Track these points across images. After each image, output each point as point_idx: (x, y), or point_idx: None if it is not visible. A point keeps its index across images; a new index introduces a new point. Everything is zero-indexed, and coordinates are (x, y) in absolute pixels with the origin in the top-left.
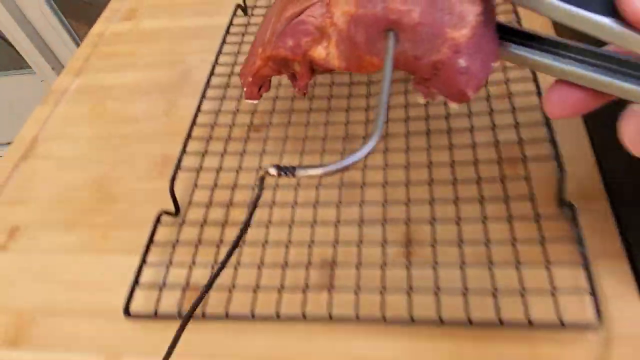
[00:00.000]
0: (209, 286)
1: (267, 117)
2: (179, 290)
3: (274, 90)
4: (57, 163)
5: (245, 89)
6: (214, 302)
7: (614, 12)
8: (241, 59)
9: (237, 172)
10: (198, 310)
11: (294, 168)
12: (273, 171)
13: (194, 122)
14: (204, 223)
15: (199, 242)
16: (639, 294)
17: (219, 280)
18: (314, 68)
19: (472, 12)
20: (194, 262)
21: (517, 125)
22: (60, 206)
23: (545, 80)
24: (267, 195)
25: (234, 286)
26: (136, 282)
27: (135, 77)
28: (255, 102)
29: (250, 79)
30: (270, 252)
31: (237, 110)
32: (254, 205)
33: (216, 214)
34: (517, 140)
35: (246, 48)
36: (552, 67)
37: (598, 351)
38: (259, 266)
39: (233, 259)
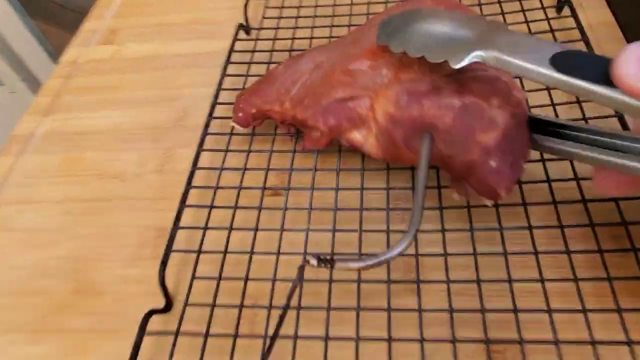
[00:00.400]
0: None
1: (282, 177)
2: None
3: (287, 142)
4: (19, 238)
5: (240, 114)
6: None
7: (609, 82)
8: None
9: (251, 256)
10: None
11: (333, 260)
12: (313, 262)
13: (189, 184)
14: (206, 333)
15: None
16: None
17: None
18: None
19: (501, 117)
20: None
21: None
22: (22, 303)
23: None
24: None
25: None
26: None
27: (119, 119)
28: (243, 129)
29: (253, 111)
30: None
31: (246, 167)
32: (289, 299)
33: (222, 320)
34: None
35: (252, 80)
36: (587, 156)
37: None
38: None
39: None
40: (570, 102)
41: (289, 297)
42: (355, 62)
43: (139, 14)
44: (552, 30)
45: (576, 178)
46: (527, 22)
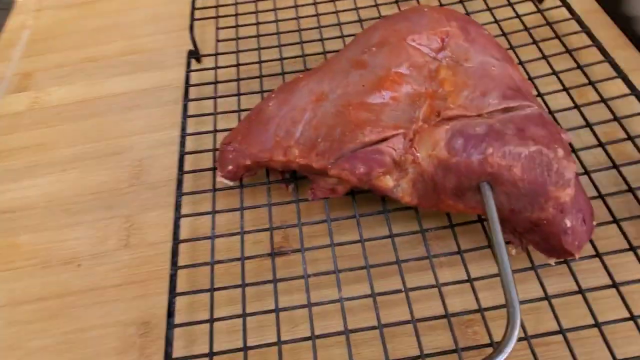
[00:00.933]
0: None
1: (289, 236)
2: None
3: (284, 191)
4: None
5: (229, 167)
6: None
7: None
8: (220, 136)
9: (280, 348)
10: None
11: None
12: None
13: (175, 265)
14: None
15: None
16: None
17: None
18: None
19: (570, 170)
20: None
21: None
22: None
23: None
24: None
25: None
26: None
27: (56, 185)
28: (231, 183)
29: (247, 162)
30: None
31: (243, 229)
32: None
33: None
34: None
35: (222, 119)
36: None
37: None
38: None
39: None
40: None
41: None
42: (374, 94)
43: (54, 50)
44: (549, 24)
45: None
46: (518, 16)
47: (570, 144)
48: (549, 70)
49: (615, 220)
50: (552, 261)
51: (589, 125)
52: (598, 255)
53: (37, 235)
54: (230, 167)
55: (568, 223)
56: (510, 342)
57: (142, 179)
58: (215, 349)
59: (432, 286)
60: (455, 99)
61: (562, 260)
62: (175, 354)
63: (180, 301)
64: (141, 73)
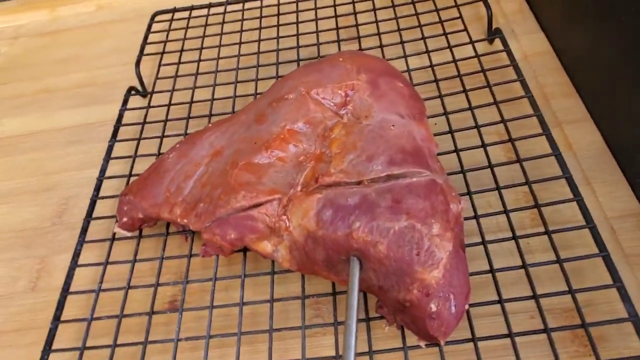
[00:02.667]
0: None
1: (176, 292)
2: None
3: (183, 244)
4: None
5: (124, 219)
6: None
7: None
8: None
9: None
10: None
11: None
12: None
13: (57, 319)
14: None
15: None
16: None
17: None
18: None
19: (443, 249)
20: None
21: None
22: None
23: None
24: None
25: None
26: None
27: None
28: (129, 234)
29: (140, 216)
30: None
31: (129, 285)
32: None
33: None
34: None
35: (142, 162)
36: None
37: None
38: None
39: None
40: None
41: None
42: (261, 154)
43: (17, 79)
44: (483, 71)
45: (535, 296)
46: (454, 61)
47: (475, 211)
48: (472, 124)
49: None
50: (422, 343)
51: (498, 188)
52: (473, 339)
53: None
54: (125, 220)
55: (433, 307)
56: None
57: (63, 219)
58: None
59: None
60: (339, 163)
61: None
62: None
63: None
64: (91, 106)
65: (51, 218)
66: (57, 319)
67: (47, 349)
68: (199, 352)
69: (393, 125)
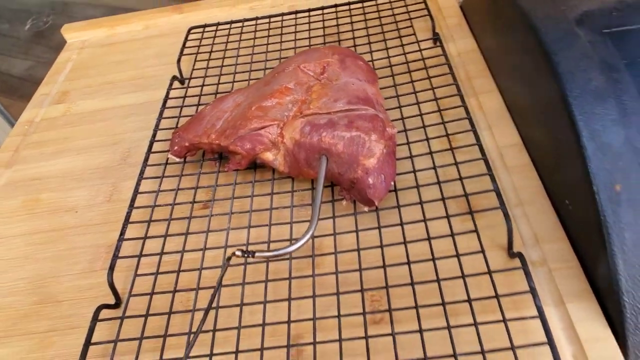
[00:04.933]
0: None
1: (210, 193)
2: None
3: (213, 166)
4: None
5: (175, 147)
6: None
7: None
8: None
9: (182, 254)
10: None
11: (254, 252)
12: (239, 253)
13: (132, 206)
14: (146, 314)
15: (142, 335)
16: (611, 332)
17: None
18: (254, 161)
19: (377, 148)
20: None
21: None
22: None
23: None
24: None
25: None
26: None
27: (71, 164)
28: (178, 159)
29: (186, 144)
30: (245, 334)
31: (179, 188)
32: (219, 284)
33: (160, 302)
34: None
35: (184, 120)
36: None
37: None
38: (235, 353)
39: (205, 344)
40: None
41: (220, 278)
42: (267, 100)
43: (86, 76)
44: (423, 59)
45: (438, 182)
46: (404, 53)
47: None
48: (414, 100)
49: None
50: (366, 209)
51: (427, 139)
52: (398, 208)
53: (53, 194)
54: (175, 148)
55: (371, 181)
56: (304, 238)
57: (127, 161)
58: (144, 253)
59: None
60: (316, 103)
61: (373, 209)
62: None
63: (131, 229)
64: (142, 92)
65: (119, 160)
66: (131, 206)
67: (126, 222)
68: (225, 222)
69: (353, 84)
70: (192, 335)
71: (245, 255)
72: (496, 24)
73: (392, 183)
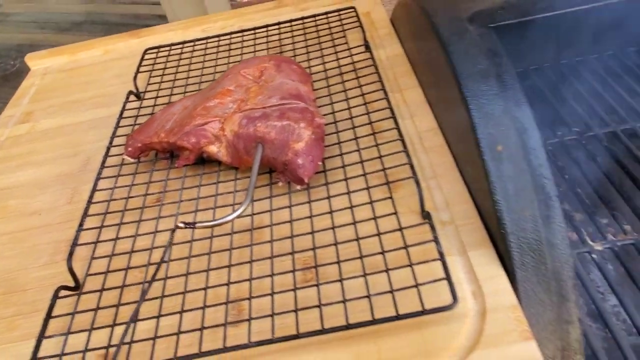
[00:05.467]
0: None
1: (162, 187)
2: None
3: (165, 164)
4: None
5: (129, 149)
6: (137, 355)
7: None
8: None
9: (134, 238)
10: None
11: (195, 223)
12: (182, 225)
13: (89, 201)
14: (102, 289)
15: (97, 306)
16: (505, 273)
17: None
18: (201, 156)
19: (306, 134)
20: (93, 327)
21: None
22: None
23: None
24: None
25: (156, 335)
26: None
27: (35, 174)
28: (132, 160)
29: (139, 145)
30: (191, 298)
31: (132, 184)
32: (165, 252)
33: (115, 279)
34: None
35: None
36: None
37: (475, 321)
38: (181, 313)
39: (154, 309)
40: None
41: (165, 251)
42: (210, 101)
43: (49, 97)
44: (354, 64)
45: (361, 161)
46: (338, 59)
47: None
48: (344, 96)
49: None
50: (298, 187)
51: (351, 117)
52: (326, 185)
53: (19, 200)
54: (129, 149)
55: (300, 161)
56: (239, 210)
57: (88, 167)
58: (100, 241)
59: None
60: (253, 101)
61: (305, 187)
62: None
63: (89, 221)
64: (101, 108)
65: (79, 168)
66: (89, 202)
67: (85, 215)
68: (174, 210)
69: (287, 84)
70: (142, 302)
71: (188, 226)
72: (413, 29)
73: (320, 164)
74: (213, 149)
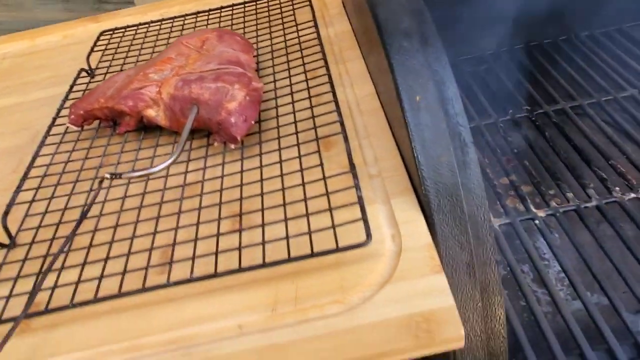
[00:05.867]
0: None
1: (102, 151)
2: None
3: (107, 131)
4: None
5: (72, 116)
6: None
7: None
8: None
9: (69, 196)
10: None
11: (121, 173)
12: (108, 175)
13: (30, 166)
14: (32, 241)
15: (25, 257)
16: (422, 217)
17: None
18: (142, 121)
19: (239, 95)
20: (19, 275)
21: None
22: None
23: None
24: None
25: (79, 280)
26: None
27: None
28: (76, 128)
29: (81, 112)
30: (118, 248)
31: (74, 149)
32: (92, 201)
33: (46, 234)
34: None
35: None
36: None
37: (391, 260)
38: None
39: (81, 259)
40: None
41: (92, 201)
42: (151, 68)
43: (5, 80)
44: (300, 42)
45: (295, 121)
46: (284, 35)
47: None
48: (286, 67)
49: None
50: (232, 146)
51: (290, 85)
52: (260, 143)
53: None
54: (72, 117)
55: (233, 120)
56: (166, 162)
57: (35, 140)
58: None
59: None
60: (192, 66)
61: (239, 146)
62: None
63: (29, 183)
64: (55, 87)
65: (27, 141)
66: (29, 167)
67: (25, 177)
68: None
69: (227, 52)
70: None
71: (113, 176)
72: (355, 4)
73: (254, 123)
74: (151, 112)
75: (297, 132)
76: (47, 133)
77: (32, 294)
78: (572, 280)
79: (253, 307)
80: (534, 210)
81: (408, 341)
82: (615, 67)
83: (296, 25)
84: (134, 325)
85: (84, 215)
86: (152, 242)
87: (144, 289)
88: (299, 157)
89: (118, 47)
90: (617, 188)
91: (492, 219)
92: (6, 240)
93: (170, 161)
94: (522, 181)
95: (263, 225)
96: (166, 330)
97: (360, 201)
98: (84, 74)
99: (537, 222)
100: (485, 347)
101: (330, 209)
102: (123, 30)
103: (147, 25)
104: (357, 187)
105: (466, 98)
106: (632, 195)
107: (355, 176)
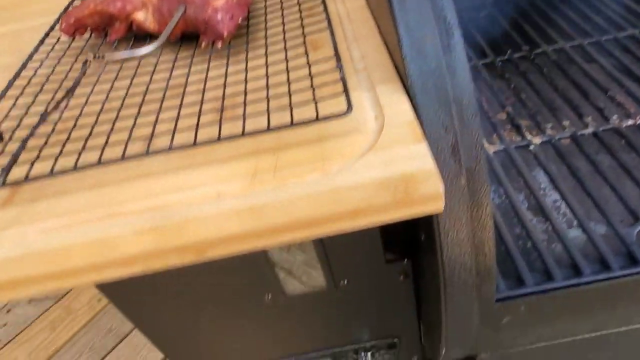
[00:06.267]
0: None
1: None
2: None
3: (101, 38)
4: None
5: (64, 25)
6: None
7: None
8: None
9: (56, 92)
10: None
11: (104, 55)
12: (91, 56)
13: (18, 73)
14: (16, 127)
15: (9, 139)
16: (407, 100)
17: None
18: (131, 29)
19: None
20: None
21: None
22: None
23: None
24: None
25: (60, 153)
26: None
27: None
28: (67, 37)
29: (72, 20)
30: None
31: (65, 54)
32: (77, 82)
33: (29, 122)
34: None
35: None
36: None
37: (373, 134)
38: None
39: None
40: None
41: (76, 82)
42: None
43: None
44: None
45: (283, 23)
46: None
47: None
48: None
49: None
50: (219, 45)
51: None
52: (247, 45)
53: None
54: (64, 25)
55: (219, 17)
56: (151, 46)
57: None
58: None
59: None
60: None
61: (226, 46)
62: None
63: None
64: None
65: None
66: (20, 70)
67: (14, 79)
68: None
69: None
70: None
71: (97, 57)
72: None
73: (240, 21)
74: (140, 15)
75: (284, 38)
76: (40, 43)
77: (11, 161)
78: (570, 207)
79: (233, 177)
80: (529, 137)
81: (386, 198)
82: (616, 8)
83: None
84: (115, 195)
85: (70, 92)
86: (133, 125)
87: (123, 158)
88: (286, 59)
89: None
90: (615, 116)
91: (486, 145)
92: None
93: (153, 47)
94: (519, 115)
95: (244, 116)
96: (146, 197)
97: (343, 81)
98: None
99: (532, 147)
100: (472, 238)
101: (312, 87)
102: None
103: None
104: (340, 68)
105: (464, 41)
106: (631, 122)
107: (338, 59)
